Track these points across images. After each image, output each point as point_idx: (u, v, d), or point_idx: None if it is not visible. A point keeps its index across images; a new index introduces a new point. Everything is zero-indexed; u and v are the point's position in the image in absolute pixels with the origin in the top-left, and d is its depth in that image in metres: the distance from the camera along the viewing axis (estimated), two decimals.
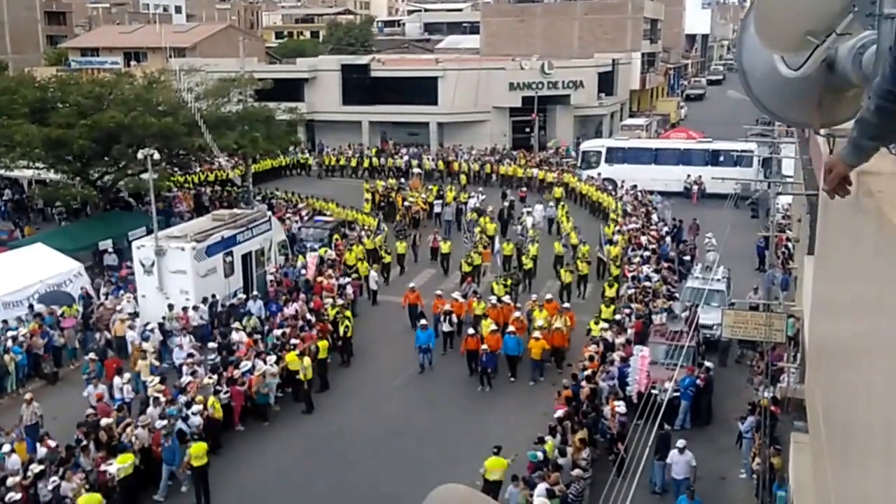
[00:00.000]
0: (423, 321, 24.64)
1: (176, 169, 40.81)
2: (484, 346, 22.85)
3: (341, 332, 24.61)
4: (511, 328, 23.59)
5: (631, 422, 18.24)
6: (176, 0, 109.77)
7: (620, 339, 22.63)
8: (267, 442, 20.40)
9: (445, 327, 25.39)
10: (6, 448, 17.25)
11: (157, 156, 29.28)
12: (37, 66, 67.65)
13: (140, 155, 28.85)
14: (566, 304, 26.28)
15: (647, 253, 30.17)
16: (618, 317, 24.42)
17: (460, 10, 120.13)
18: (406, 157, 51.96)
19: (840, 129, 4.69)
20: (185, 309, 25.43)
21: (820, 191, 6.78)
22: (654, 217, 36.55)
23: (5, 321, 24.39)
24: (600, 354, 21.92)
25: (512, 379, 23.38)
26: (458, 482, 2.27)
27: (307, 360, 22.00)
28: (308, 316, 25.29)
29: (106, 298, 27.31)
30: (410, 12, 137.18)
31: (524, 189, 44.21)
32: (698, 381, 20.59)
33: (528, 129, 56.69)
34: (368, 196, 42.03)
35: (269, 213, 33.16)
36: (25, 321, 24.70)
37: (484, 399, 22.64)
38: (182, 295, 26.02)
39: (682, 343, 20.14)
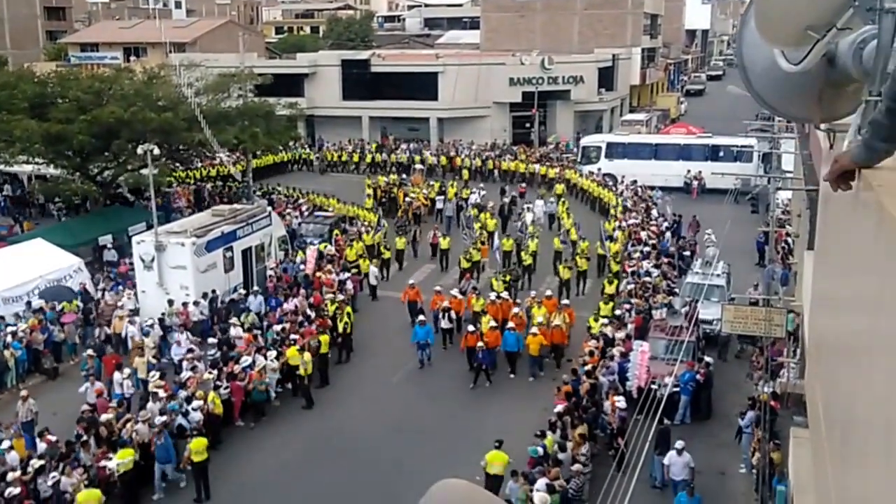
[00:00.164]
0: (421, 317, 24.65)
1: (177, 164, 40.80)
2: (480, 343, 22.86)
3: (340, 330, 24.59)
4: (510, 324, 23.60)
5: (631, 417, 18.27)
6: None
7: (620, 335, 22.63)
8: (267, 437, 20.42)
9: (444, 324, 25.39)
10: (5, 444, 17.26)
11: (156, 151, 29.25)
12: (36, 62, 67.47)
13: (140, 150, 28.84)
14: (565, 301, 26.29)
15: (646, 248, 30.19)
16: (618, 312, 24.44)
17: (460, 5, 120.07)
18: (407, 153, 51.89)
19: (840, 123, 4.68)
20: (185, 304, 25.44)
21: (820, 186, 6.77)
22: (654, 212, 36.55)
23: (2, 317, 24.40)
24: (600, 349, 21.92)
25: (511, 375, 23.39)
26: (458, 477, 2.26)
27: (307, 356, 22.02)
28: (308, 311, 25.30)
29: (103, 295, 27.29)
30: (410, 7, 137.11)
31: (523, 185, 44.17)
32: (698, 376, 20.61)
33: (528, 125, 56.66)
34: (370, 192, 42.00)
35: (269, 208, 33.16)
36: (23, 317, 24.66)
37: (484, 395, 22.65)
38: (182, 290, 26.02)
39: (682, 338, 20.17)
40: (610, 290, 26.85)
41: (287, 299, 26.57)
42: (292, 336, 22.93)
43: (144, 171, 31.42)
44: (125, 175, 36.81)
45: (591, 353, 21.51)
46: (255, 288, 27.52)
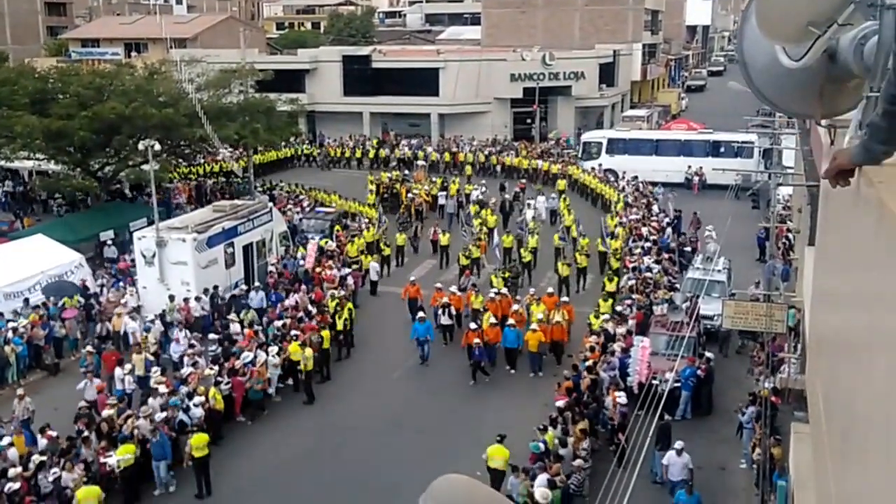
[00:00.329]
0: (420, 314, 24.66)
1: (179, 160, 40.78)
2: (477, 340, 22.86)
3: (339, 327, 24.58)
4: (511, 321, 23.60)
5: (632, 412, 18.26)
6: None
7: (621, 330, 22.64)
8: (268, 433, 20.44)
9: (444, 320, 25.38)
10: (6, 441, 17.27)
11: (157, 147, 29.25)
12: (37, 57, 67.57)
13: (141, 146, 28.85)
14: (565, 298, 26.27)
15: (647, 244, 30.17)
16: (619, 308, 24.43)
17: (461, 1, 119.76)
18: (408, 149, 51.83)
19: (841, 119, 4.69)
20: (186, 300, 25.45)
21: (821, 182, 6.77)
22: (655, 208, 36.53)
23: (1, 314, 24.41)
24: (601, 345, 21.92)
25: (512, 371, 23.40)
26: (459, 473, 2.26)
27: (308, 351, 22.03)
28: (309, 307, 25.30)
29: (101, 290, 27.29)
30: (412, 3, 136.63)
31: (523, 181, 44.18)
32: (699, 372, 20.62)
33: (529, 121, 56.60)
34: (373, 188, 41.97)
35: (271, 204, 33.15)
36: (21, 314, 24.63)
37: (484, 391, 22.66)
38: (183, 286, 26.03)
39: (683, 334, 20.15)
40: (610, 287, 26.81)
41: (288, 295, 26.58)
42: (293, 332, 22.94)
43: (145, 167, 31.40)
44: (126, 171, 36.79)
45: (592, 349, 21.51)
46: (257, 284, 27.54)
